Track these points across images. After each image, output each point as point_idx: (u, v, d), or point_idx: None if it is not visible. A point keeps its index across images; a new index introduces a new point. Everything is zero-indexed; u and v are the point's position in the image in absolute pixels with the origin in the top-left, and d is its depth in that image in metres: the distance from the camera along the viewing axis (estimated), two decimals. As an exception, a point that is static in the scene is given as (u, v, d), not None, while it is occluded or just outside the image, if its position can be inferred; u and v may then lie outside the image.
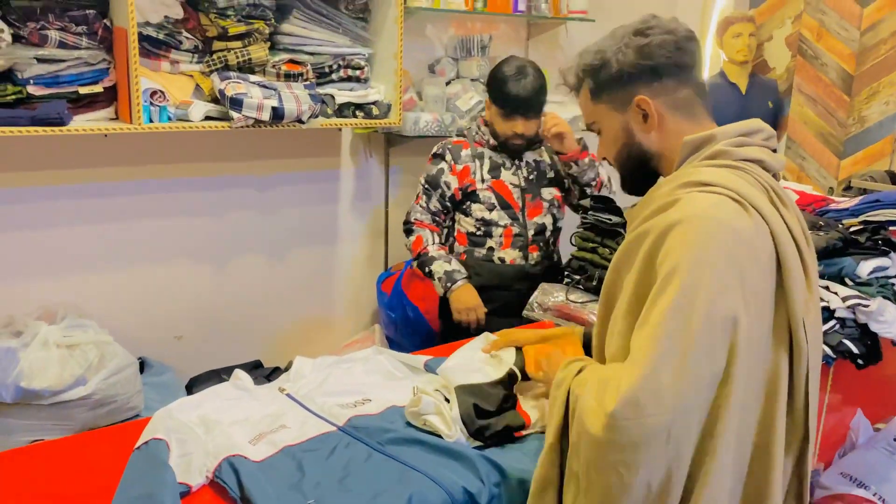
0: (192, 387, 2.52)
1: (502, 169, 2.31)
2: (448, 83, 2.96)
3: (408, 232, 2.38)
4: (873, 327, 1.82)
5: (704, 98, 1.18)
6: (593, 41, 1.22)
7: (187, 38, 2.27)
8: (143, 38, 2.16)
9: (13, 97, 2.01)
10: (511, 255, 2.33)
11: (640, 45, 1.13)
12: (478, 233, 2.33)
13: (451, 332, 2.31)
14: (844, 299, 1.80)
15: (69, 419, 2.14)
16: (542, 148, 2.38)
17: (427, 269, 2.32)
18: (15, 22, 1.99)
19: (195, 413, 1.33)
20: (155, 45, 2.23)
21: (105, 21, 2.11)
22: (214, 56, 2.31)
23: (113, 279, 2.51)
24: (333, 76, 2.54)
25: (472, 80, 2.99)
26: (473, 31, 3.11)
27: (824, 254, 1.85)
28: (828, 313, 1.82)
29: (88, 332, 2.26)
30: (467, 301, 2.26)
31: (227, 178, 2.68)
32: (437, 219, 2.37)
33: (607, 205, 2.05)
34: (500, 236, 2.32)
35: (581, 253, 2.05)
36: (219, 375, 2.48)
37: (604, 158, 1.26)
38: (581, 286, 2.01)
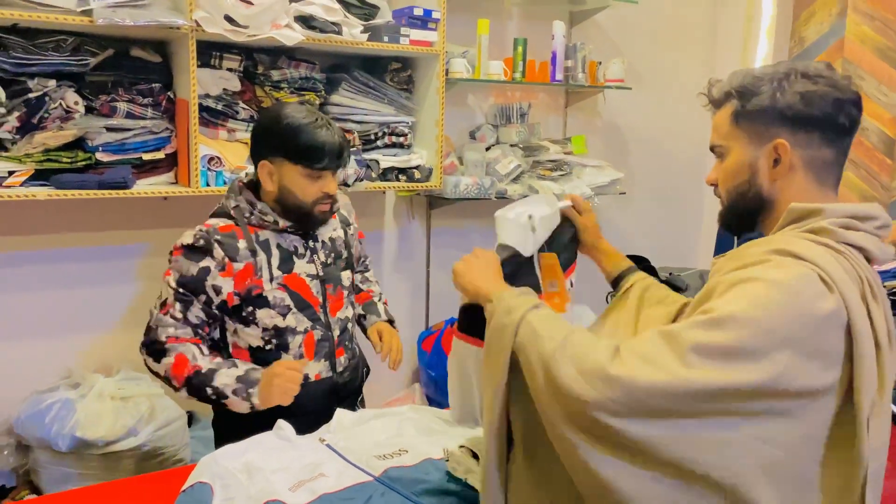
0: (237, 441, 2.58)
1: (295, 258, 1.76)
2: (488, 148, 3.07)
3: (158, 354, 1.68)
4: (915, 390, 1.79)
5: (840, 167, 1.11)
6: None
7: (244, 108, 2.43)
8: (202, 108, 2.32)
9: (83, 163, 2.18)
10: (315, 369, 1.80)
11: (805, 88, 1.06)
12: (267, 346, 1.75)
13: None
14: (884, 361, 1.79)
15: (119, 469, 2.22)
16: (336, 218, 1.89)
17: (209, 391, 1.65)
18: (88, 95, 2.17)
19: (239, 460, 1.38)
20: (214, 115, 2.39)
21: (169, 93, 2.28)
22: (268, 124, 2.46)
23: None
24: (378, 142, 2.67)
25: (512, 145, 3.09)
26: (513, 100, 3.24)
27: (862, 315, 1.85)
28: (867, 375, 1.80)
29: (141, 385, 2.36)
30: (271, 374, 1.65)
31: (276, 239, 2.80)
32: (200, 332, 1.72)
33: (642, 264, 2.08)
34: (300, 346, 1.77)
35: (616, 312, 2.07)
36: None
37: (713, 184, 1.19)
38: (617, 345, 2.02)
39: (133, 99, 2.22)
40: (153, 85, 2.25)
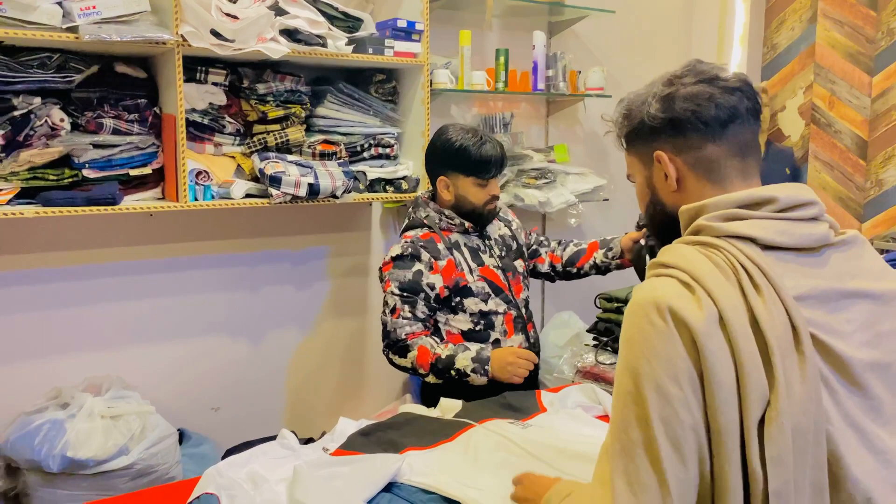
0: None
1: (480, 254, 2.16)
2: (473, 158, 3.09)
3: (402, 351, 2.04)
4: None
5: (744, 156, 1.04)
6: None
7: (230, 122, 2.43)
8: (189, 123, 2.31)
9: (69, 180, 2.16)
10: (517, 341, 2.18)
11: (665, 94, 1.04)
12: (477, 328, 2.13)
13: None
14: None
15: (111, 489, 2.19)
16: (498, 220, 2.27)
17: (452, 372, 2.00)
18: (74, 112, 2.16)
19: (243, 470, 1.38)
20: (200, 130, 2.38)
21: (155, 109, 2.28)
22: (255, 138, 2.46)
23: (155, 352, 2.61)
24: (365, 154, 2.68)
25: (496, 154, 3.12)
26: (496, 110, 3.27)
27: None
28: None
29: (131, 403, 2.33)
30: (504, 362, 1.98)
31: (265, 253, 2.80)
32: (427, 325, 2.10)
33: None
34: (503, 325, 2.16)
35: (606, 314, 2.10)
36: (253, 447, 2.52)
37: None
38: (609, 347, 2.05)
39: (119, 115, 2.21)
40: (139, 101, 2.24)
